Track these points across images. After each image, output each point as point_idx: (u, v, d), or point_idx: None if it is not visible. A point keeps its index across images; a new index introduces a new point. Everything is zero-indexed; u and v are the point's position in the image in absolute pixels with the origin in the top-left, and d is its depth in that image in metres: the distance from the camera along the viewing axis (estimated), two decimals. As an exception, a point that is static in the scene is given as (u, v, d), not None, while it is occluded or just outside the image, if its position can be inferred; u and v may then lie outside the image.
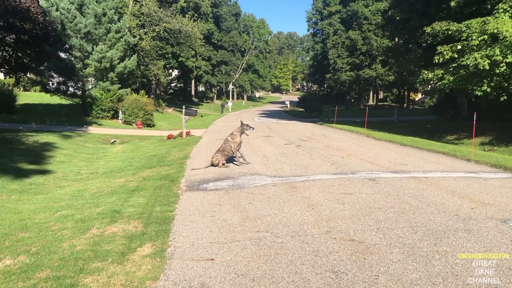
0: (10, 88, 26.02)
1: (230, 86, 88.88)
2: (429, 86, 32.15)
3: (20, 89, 35.23)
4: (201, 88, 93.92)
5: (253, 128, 11.14)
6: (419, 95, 71.60)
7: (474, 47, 15.92)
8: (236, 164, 10.90)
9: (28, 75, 25.12)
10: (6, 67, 19.44)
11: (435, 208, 6.47)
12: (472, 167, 10.42)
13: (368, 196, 7.35)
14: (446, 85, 17.75)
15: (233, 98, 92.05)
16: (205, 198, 7.64)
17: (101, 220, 6.53)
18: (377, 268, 4.32)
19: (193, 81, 74.80)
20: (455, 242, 4.98)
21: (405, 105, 59.35)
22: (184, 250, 5.08)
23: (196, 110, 42.55)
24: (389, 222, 5.83)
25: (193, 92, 79.02)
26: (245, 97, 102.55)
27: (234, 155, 10.94)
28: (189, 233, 5.72)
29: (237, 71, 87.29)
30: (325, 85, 78.41)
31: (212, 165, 10.79)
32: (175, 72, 67.97)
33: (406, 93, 60.95)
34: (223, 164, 10.75)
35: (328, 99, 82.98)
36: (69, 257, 5.04)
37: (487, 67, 15.24)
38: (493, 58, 15.18)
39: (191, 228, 5.93)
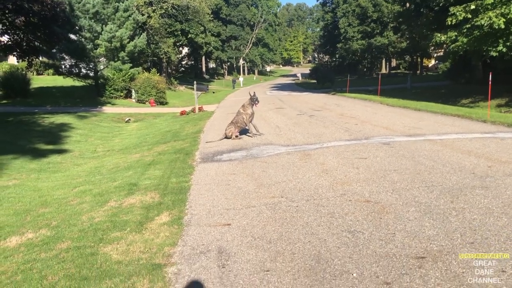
0: (24, 72, 26.13)
1: (241, 61, 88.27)
2: (442, 51, 31.46)
3: (33, 73, 35.36)
4: (211, 64, 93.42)
5: (258, 102, 11.01)
6: (432, 61, 70.12)
7: (489, 6, 15.46)
8: (249, 136, 10.90)
9: (40, 58, 25.22)
10: (18, 50, 19.55)
11: (451, 168, 6.41)
12: (488, 128, 10.26)
13: (383, 159, 7.30)
14: (460, 47, 17.36)
15: (244, 73, 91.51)
16: (219, 169, 7.69)
17: (118, 193, 6.63)
18: (394, 226, 4.32)
19: (203, 58, 74.39)
20: (472, 199, 4.94)
21: (418, 72, 58.28)
22: (200, 217, 5.14)
23: (208, 85, 42.39)
24: (405, 183, 5.80)
25: (204, 69, 78.70)
26: (256, 71, 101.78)
27: (246, 126, 10.94)
28: (205, 201, 5.78)
29: (247, 45, 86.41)
30: (337, 55, 77.29)
31: (226, 137, 10.82)
32: (185, 50, 67.59)
33: (419, 59, 59.76)
34: (237, 136, 10.77)
35: (340, 69, 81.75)
36: (89, 228, 5.14)
37: (503, 26, 14.82)
38: (508, 16, 14.74)
39: (207, 196, 5.99)
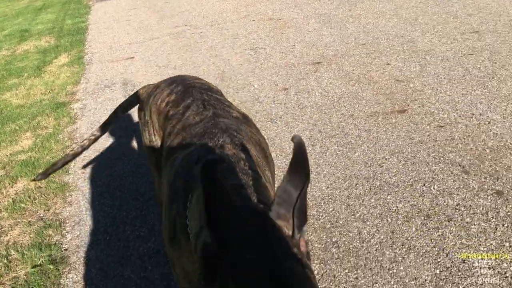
0: None
1: None
2: None
3: None
4: None
5: None
6: None
7: None
8: None
9: None
10: None
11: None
12: None
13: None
14: None
15: None
16: (119, 5, 7.19)
17: (9, 41, 6.10)
18: (294, 39, 4.42)
19: None
20: (369, 5, 5.08)
21: None
22: (102, 54, 4.94)
23: None
24: (307, -2, 5.80)
25: None
26: None
27: None
28: (105, 39, 5.50)
29: None
30: None
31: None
32: None
33: None
34: None
35: None
36: (-18, 79, 4.81)
37: None
38: None
39: (106, 34, 5.68)
